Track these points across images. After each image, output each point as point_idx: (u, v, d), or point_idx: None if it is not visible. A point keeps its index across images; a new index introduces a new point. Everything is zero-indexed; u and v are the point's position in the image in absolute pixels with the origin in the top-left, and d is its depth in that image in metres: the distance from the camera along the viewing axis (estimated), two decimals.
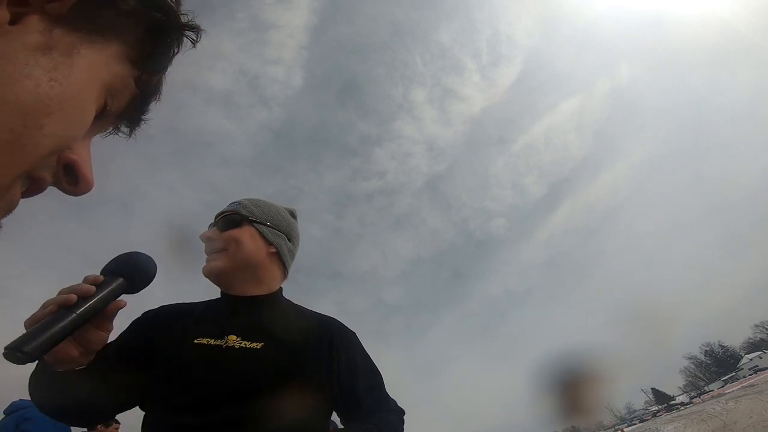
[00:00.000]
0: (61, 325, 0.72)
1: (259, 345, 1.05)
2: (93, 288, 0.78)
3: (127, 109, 0.46)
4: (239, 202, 1.24)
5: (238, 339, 1.06)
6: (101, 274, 0.84)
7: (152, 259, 0.89)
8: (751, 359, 70.95)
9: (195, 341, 1.05)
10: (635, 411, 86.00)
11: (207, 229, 1.22)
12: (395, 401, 1.23)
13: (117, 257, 0.86)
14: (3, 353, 0.66)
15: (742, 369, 71.07)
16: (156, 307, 1.20)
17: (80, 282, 0.80)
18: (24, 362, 0.67)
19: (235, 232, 1.16)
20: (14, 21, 0.32)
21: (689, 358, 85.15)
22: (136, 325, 1.15)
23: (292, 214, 1.34)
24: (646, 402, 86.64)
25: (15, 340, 0.67)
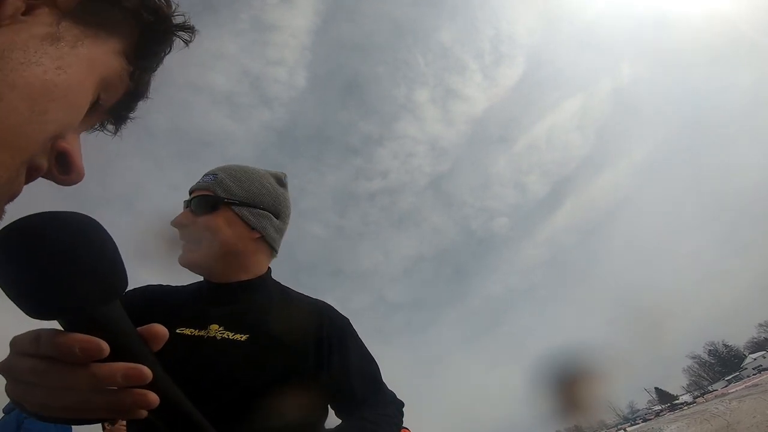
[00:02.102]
0: None
1: (244, 337, 0.97)
2: None
3: (117, 105, 0.47)
4: (214, 175, 1.08)
5: (221, 329, 0.97)
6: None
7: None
8: (755, 359, 70.69)
9: (177, 331, 0.96)
10: (638, 410, 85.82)
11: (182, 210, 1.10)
12: (393, 393, 1.17)
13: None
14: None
15: (746, 368, 70.79)
16: (140, 286, 1.10)
17: None
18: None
19: (209, 220, 1.03)
20: (26, 12, 0.34)
21: (693, 358, 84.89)
22: None
23: (280, 182, 1.20)
24: (649, 401, 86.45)
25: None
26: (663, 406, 74.19)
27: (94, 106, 0.43)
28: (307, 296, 1.19)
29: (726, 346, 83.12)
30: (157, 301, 1.06)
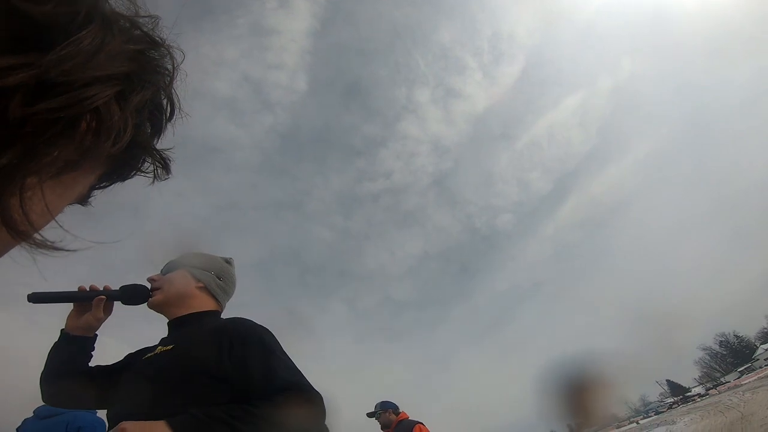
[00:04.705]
0: (65, 294, 1.37)
1: (171, 347, 1.34)
2: (99, 288, 1.40)
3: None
4: (182, 255, 1.63)
5: (163, 348, 1.37)
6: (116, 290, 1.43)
7: (147, 290, 1.46)
8: (766, 349, 70.06)
9: (143, 357, 1.40)
10: (650, 403, 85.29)
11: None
12: (305, 383, 1.25)
13: (126, 285, 1.45)
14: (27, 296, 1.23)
15: (758, 359, 70.20)
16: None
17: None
18: (29, 300, 1.23)
19: (170, 275, 1.54)
20: None
21: (704, 349, 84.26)
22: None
23: (227, 261, 1.70)
24: (661, 394, 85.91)
25: (36, 292, 1.25)
26: (676, 399, 73.71)
27: None
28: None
29: (737, 337, 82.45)
30: (148, 348, 1.49)
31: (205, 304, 1.55)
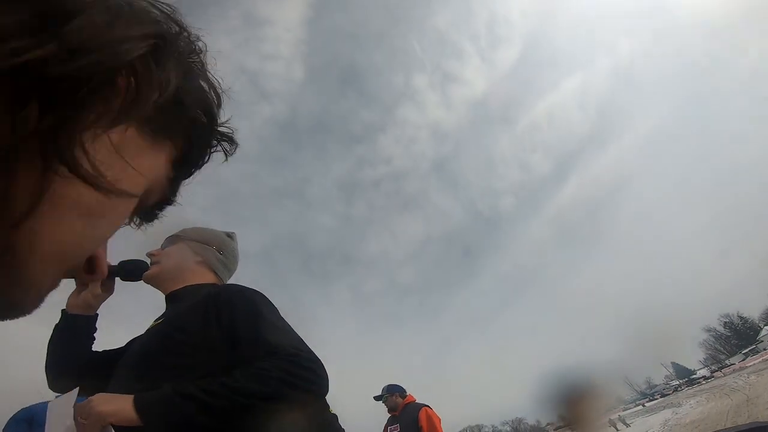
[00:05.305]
0: None
1: (161, 321, 1.30)
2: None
3: (150, 206, 0.48)
4: (182, 230, 1.55)
5: (155, 323, 1.33)
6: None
7: (147, 266, 1.41)
8: None
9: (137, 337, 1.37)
10: (656, 385, 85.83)
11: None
12: (295, 346, 1.12)
13: (124, 261, 1.39)
14: None
15: (763, 341, 70.41)
16: None
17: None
18: None
19: (168, 249, 1.48)
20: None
21: (708, 331, 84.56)
22: None
23: (229, 235, 1.62)
24: (666, 376, 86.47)
25: None
26: (681, 381, 74.14)
27: (135, 208, 0.44)
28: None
29: (741, 318, 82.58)
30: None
31: (203, 278, 1.47)
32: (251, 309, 1.19)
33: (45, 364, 1.37)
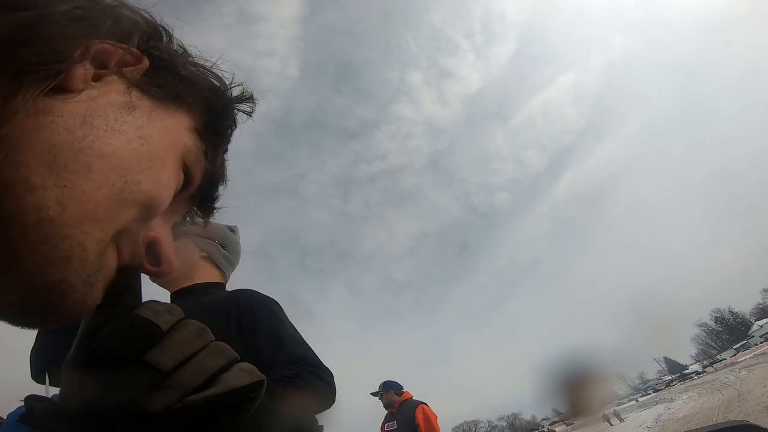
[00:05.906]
0: None
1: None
2: None
3: (199, 192, 0.46)
4: (185, 224, 1.58)
5: None
6: None
7: None
8: (761, 326, 71.02)
9: None
10: (648, 380, 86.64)
11: None
12: (314, 358, 1.16)
13: None
14: None
15: (753, 336, 71.14)
16: None
17: None
18: None
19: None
20: (96, 79, 0.33)
21: (700, 326, 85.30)
22: None
23: (231, 229, 1.61)
24: (658, 371, 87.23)
25: None
26: (673, 376, 74.85)
27: (185, 187, 0.42)
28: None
29: (732, 312, 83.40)
30: None
31: (209, 275, 1.46)
32: (272, 317, 1.23)
33: (31, 350, 1.28)
